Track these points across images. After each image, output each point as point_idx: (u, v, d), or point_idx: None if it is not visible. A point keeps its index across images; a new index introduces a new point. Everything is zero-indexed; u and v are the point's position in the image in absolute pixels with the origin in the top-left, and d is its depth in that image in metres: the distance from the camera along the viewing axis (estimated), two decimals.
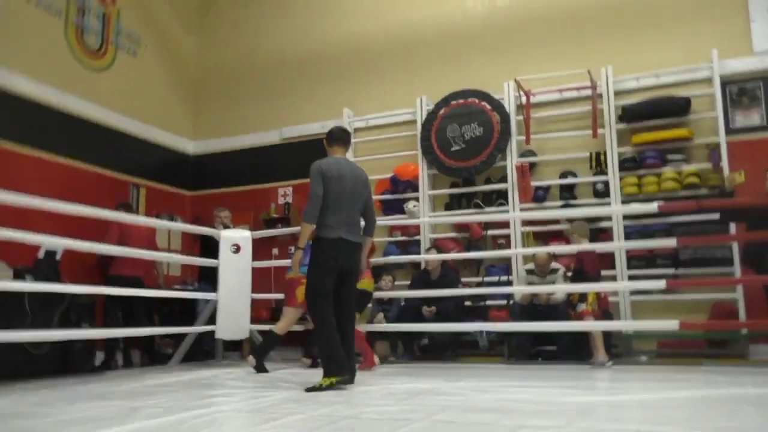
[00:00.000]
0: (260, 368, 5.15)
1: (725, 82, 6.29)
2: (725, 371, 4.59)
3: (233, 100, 8.88)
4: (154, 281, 6.91)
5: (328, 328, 4.00)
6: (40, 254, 5.41)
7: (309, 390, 3.78)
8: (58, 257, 5.51)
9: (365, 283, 5.26)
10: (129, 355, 6.37)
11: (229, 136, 8.75)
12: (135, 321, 6.17)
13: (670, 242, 5.38)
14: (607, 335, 5.41)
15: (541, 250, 6.10)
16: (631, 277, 6.13)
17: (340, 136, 4.45)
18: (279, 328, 5.32)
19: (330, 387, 3.79)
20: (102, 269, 6.39)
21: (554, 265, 6.03)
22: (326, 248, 4.09)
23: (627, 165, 6.46)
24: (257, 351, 5.42)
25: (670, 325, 4.97)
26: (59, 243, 5.10)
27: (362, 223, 4.46)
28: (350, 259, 4.18)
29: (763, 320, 5.40)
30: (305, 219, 4.10)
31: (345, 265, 4.15)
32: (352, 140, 7.75)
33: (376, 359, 5.49)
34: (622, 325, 5.85)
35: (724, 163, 6.04)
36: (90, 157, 7.24)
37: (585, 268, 5.40)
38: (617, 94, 6.63)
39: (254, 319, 6.56)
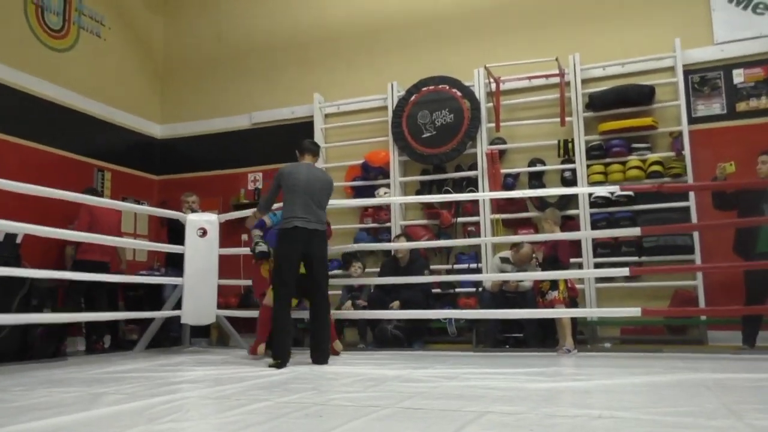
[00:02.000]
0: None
1: (688, 71, 6.43)
2: (684, 357, 4.71)
3: (201, 83, 8.72)
4: (117, 266, 6.79)
5: (281, 316, 4.50)
6: (0, 237, 5.26)
7: (270, 365, 4.33)
8: (18, 240, 5.37)
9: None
10: (95, 340, 6.27)
11: (198, 120, 8.61)
12: (97, 307, 6.06)
13: (635, 231, 5.50)
14: (574, 323, 5.50)
15: (518, 239, 6.11)
16: (596, 265, 6.25)
17: (308, 147, 4.96)
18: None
19: (275, 366, 4.30)
20: (62, 253, 6.26)
21: None
22: (284, 238, 4.60)
23: (594, 153, 6.56)
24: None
25: (633, 312, 5.08)
26: (20, 227, 4.96)
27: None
28: (309, 244, 4.59)
29: (720, 307, 5.56)
30: (258, 209, 5.05)
31: (305, 250, 4.59)
32: (323, 126, 7.78)
33: (338, 346, 5.17)
34: (587, 312, 5.96)
35: (687, 151, 6.18)
36: (53, 140, 7.05)
37: (559, 256, 5.45)
38: (584, 82, 6.72)
39: (223, 306, 6.51)
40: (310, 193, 4.65)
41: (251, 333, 6.62)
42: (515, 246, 6.04)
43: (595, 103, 6.62)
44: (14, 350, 5.03)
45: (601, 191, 5.95)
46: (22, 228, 4.99)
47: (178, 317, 5.95)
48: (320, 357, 4.55)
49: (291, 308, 4.66)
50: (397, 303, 6.14)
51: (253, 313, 6.35)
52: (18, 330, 5.05)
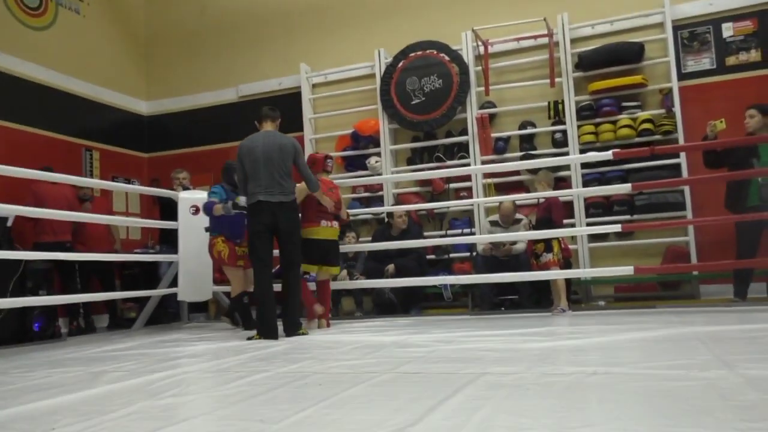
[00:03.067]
0: (247, 325, 5.14)
1: (677, 27, 6.37)
2: (678, 312, 4.77)
3: (186, 58, 8.58)
4: (110, 246, 6.77)
5: (262, 291, 4.50)
6: None
7: (249, 339, 4.41)
8: (9, 224, 5.34)
9: (315, 231, 5.02)
10: (90, 320, 6.30)
11: (184, 95, 8.50)
12: (70, 288, 6.05)
13: (626, 188, 5.51)
14: (568, 283, 5.55)
15: (506, 198, 6.16)
16: (589, 224, 6.27)
17: (266, 113, 4.85)
18: (233, 292, 5.32)
19: (252, 338, 4.40)
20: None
21: (517, 215, 6.11)
22: (251, 213, 4.55)
23: (584, 114, 6.54)
24: (231, 320, 5.48)
25: (625, 270, 5.13)
26: (9, 209, 4.95)
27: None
28: (275, 216, 4.49)
29: (711, 262, 5.61)
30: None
31: (272, 223, 4.50)
32: (311, 96, 7.71)
33: (318, 308, 5.07)
34: (581, 272, 6.01)
35: (677, 108, 6.16)
36: (37, 121, 6.96)
37: (553, 217, 5.46)
38: (573, 41, 6.66)
39: (219, 281, 6.52)
40: (270, 163, 4.50)
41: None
42: None
43: (584, 62, 6.57)
44: (12, 333, 5.05)
45: (594, 157, 5.87)
46: (11, 210, 4.97)
47: (176, 293, 5.97)
48: (290, 328, 4.50)
49: (272, 281, 4.55)
50: (392, 266, 6.17)
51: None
52: (15, 313, 5.06)
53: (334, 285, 6.30)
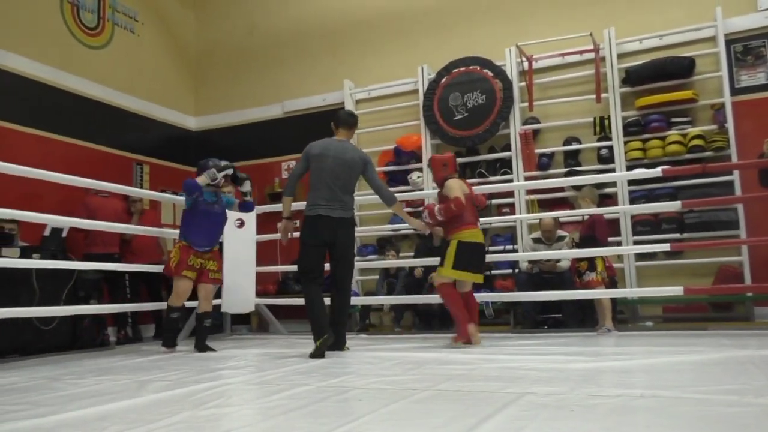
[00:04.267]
0: (169, 345, 4.98)
1: (729, 41, 6.20)
2: (730, 334, 4.60)
3: (234, 74, 8.81)
4: (159, 257, 6.94)
5: (312, 301, 4.28)
6: (46, 232, 5.45)
7: (311, 356, 4.04)
8: (63, 234, 5.55)
9: (474, 234, 4.61)
10: (137, 329, 6.46)
11: (231, 110, 8.71)
12: (119, 298, 6.23)
13: (675, 205, 5.36)
14: (614, 303, 5.41)
15: (547, 215, 6.08)
16: (636, 243, 6.12)
17: (344, 120, 4.61)
18: (170, 301, 5.08)
19: (320, 348, 4.05)
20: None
21: (560, 232, 6.01)
22: (307, 226, 4.37)
23: (631, 129, 6.41)
24: (164, 332, 5.21)
25: (675, 290, 4.97)
26: (65, 221, 5.14)
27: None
28: (334, 233, 4.35)
29: (767, 283, 5.39)
30: (283, 192, 4.63)
31: (330, 239, 4.35)
32: (355, 112, 7.74)
33: (472, 330, 4.51)
34: (627, 292, 5.85)
35: (730, 124, 5.98)
36: (91, 136, 7.23)
37: (596, 235, 5.33)
38: (620, 56, 6.55)
39: (262, 293, 6.61)
40: (336, 177, 4.33)
41: (290, 319, 6.72)
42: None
43: (632, 77, 6.45)
44: (65, 340, 5.22)
45: (642, 174, 5.68)
46: (67, 222, 5.17)
47: (219, 305, 6.07)
48: (336, 348, 4.35)
49: (321, 292, 4.33)
50: (419, 269, 6.26)
51: (290, 300, 6.44)
52: (67, 321, 5.24)
53: (375, 300, 6.31)
